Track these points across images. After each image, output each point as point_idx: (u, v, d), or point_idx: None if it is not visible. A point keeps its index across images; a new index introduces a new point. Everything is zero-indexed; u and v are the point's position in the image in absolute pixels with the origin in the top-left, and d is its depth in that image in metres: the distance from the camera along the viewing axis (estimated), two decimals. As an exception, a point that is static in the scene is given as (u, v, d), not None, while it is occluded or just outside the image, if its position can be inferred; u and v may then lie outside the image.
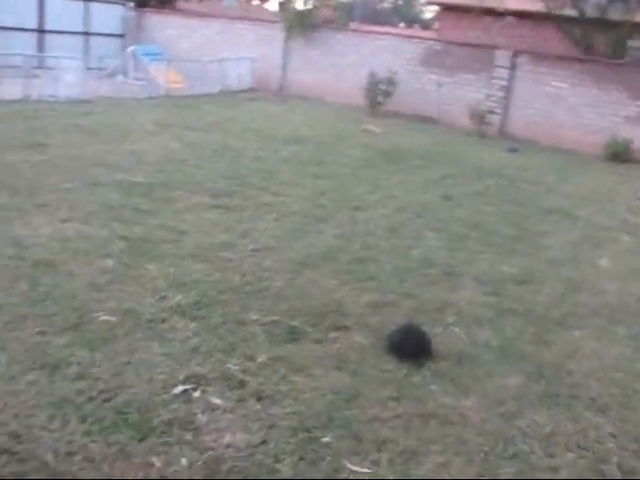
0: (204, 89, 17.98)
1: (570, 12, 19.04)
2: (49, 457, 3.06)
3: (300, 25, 19.74)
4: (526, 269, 6.57)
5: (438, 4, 27.47)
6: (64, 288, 4.85)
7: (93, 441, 3.21)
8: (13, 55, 15.34)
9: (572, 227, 8.39)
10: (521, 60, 17.18)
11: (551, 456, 3.58)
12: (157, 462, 3.13)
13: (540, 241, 7.62)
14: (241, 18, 21.63)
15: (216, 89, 18.58)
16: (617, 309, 5.78)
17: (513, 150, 14.53)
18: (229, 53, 19.94)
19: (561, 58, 17.10)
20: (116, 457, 3.12)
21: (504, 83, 17.24)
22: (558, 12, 19.37)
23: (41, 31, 20.12)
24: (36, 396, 3.51)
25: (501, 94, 17.23)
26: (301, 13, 20.28)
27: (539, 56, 17.31)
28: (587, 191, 10.83)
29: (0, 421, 3.26)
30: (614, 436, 3.82)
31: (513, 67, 17.17)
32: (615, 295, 6.13)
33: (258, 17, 22.21)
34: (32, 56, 15.77)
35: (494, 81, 17.37)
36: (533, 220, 8.49)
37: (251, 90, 19.61)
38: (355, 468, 3.26)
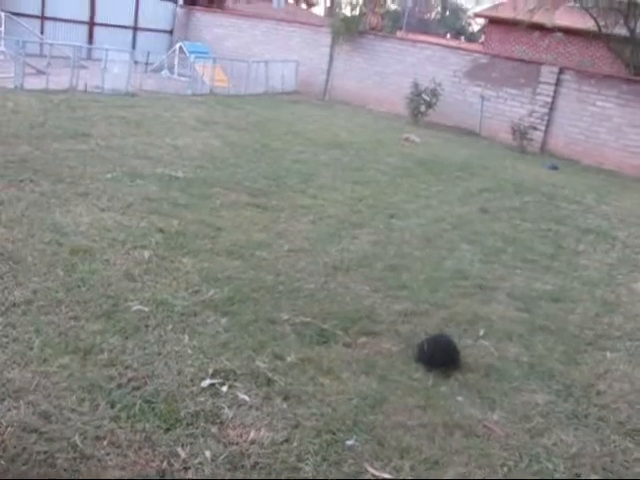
0: (248, 89, 18.08)
1: (621, 31, 18.83)
2: (77, 439, 3.11)
3: (347, 31, 19.75)
4: (560, 287, 6.51)
5: (486, 17, 27.38)
6: (100, 276, 4.92)
7: (120, 427, 3.26)
8: (63, 46, 15.61)
9: (609, 248, 8.28)
10: (567, 77, 17.01)
11: (576, 476, 3.55)
12: (182, 453, 3.17)
13: (576, 260, 7.54)
14: (288, 21, 21.71)
15: (260, 90, 18.68)
16: (651, 334, 5.70)
17: (553, 167, 14.39)
18: (274, 55, 20.07)
19: (608, 77, 16.88)
20: (142, 444, 3.17)
21: (548, 100, 17.09)
22: (609, 31, 19.19)
23: (91, 24, 20.43)
24: (67, 379, 3.57)
25: (544, 110, 17.08)
26: (348, 19, 20.31)
27: (585, 74, 17.13)
28: (626, 213, 10.68)
29: (31, 401, 3.33)
30: (642, 462, 3.78)
31: (558, 84, 16.99)
32: (650, 319, 6.05)
33: (305, 21, 22.24)
34: (81, 47, 15.99)
35: (538, 97, 17.22)
36: (570, 239, 8.41)
37: (294, 93, 19.69)
38: (376, 473, 3.27)
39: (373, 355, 4.46)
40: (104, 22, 20.66)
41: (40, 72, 14.41)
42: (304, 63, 20.31)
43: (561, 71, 17.10)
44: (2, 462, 2.87)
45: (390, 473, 3.29)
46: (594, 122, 16.64)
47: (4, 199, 6.21)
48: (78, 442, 3.10)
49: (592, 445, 3.85)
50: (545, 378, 4.57)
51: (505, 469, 3.49)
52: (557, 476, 3.51)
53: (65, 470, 2.92)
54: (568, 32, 21.49)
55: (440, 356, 4.43)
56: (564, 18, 20.74)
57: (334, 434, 3.51)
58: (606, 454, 3.78)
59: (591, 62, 21.54)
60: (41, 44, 16.82)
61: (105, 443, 3.14)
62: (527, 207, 9.82)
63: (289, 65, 19.99)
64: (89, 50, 18.41)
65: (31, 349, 3.81)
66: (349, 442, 3.46)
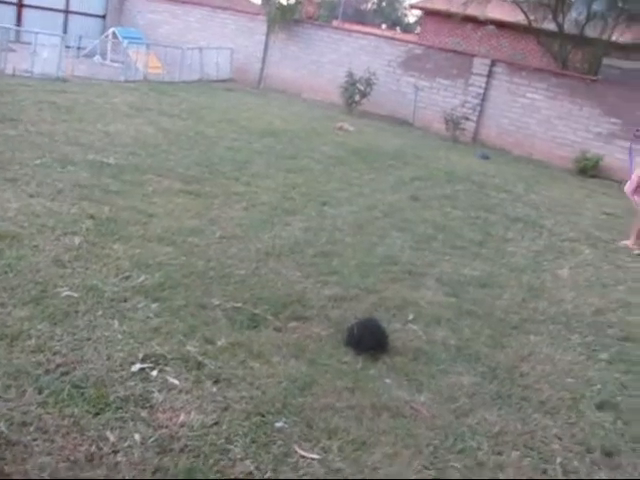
0: (182, 76, 17.92)
1: (550, 26, 19.30)
2: (2, 425, 3.08)
3: (282, 19, 19.72)
4: (488, 273, 6.68)
5: (421, 9, 27.66)
6: (28, 262, 4.84)
7: (48, 413, 3.24)
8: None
9: (536, 236, 8.52)
10: (498, 69, 17.36)
11: (498, 453, 3.67)
12: (111, 436, 3.16)
13: (504, 247, 7.74)
14: (223, 8, 21.52)
15: (194, 77, 18.52)
16: (573, 318, 5.90)
17: (484, 157, 14.70)
18: (209, 42, 19.93)
19: (538, 70, 17.31)
20: (70, 429, 3.15)
21: (480, 91, 17.42)
22: (538, 25, 19.64)
23: (20, 5, 19.87)
24: (-7, 366, 3.53)
25: (476, 101, 17.41)
26: (284, 7, 20.26)
27: (516, 66, 17.52)
28: (554, 202, 11.00)
29: (-45, 388, 3.28)
30: (560, 438, 3.93)
31: (490, 75, 17.34)
32: (572, 304, 6.24)
33: (241, 8, 22.07)
34: (9, 29, 15.54)
35: (470, 88, 17.54)
36: (498, 227, 8.61)
37: (229, 80, 19.59)
38: (305, 453, 3.33)
39: (303, 339, 4.51)
40: (33, 4, 20.10)
41: (-35, 54, 14.00)
42: (239, 51, 20.23)
43: (493, 63, 17.46)
44: None
45: (318, 454, 3.35)
46: (524, 113, 17.05)
47: None
48: (3, 428, 3.06)
49: (514, 424, 3.98)
50: (471, 361, 4.70)
51: (431, 448, 3.59)
52: (480, 454, 3.62)
53: (-10, 456, 2.90)
54: (500, 25, 21.94)
55: (369, 340, 4.51)
56: (496, 11, 21.15)
57: (263, 416, 3.55)
58: (527, 432, 3.92)
59: (522, 55, 22.00)
60: (-34, 25, 16.30)
61: (32, 429, 3.11)
62: (458, 195, 10.01)
63: (224, 53, 19.87)
64: (17, 32, 17.93)
65: (-45, 336, 3.75)
66: (278, 424, 3.51)
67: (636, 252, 8.52)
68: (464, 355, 4.76)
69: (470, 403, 4.14)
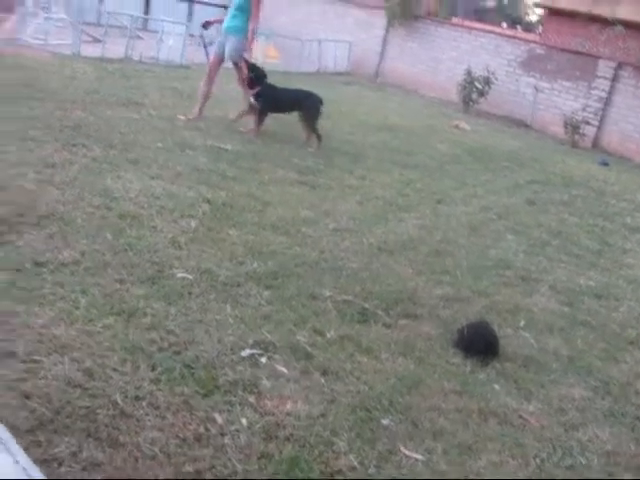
0: (300, 67, 18.05)
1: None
2: (118, 397, 3.18)
3: (402, 15, 19.59)
4: (604, 284, 6.43)
5: (544, 7, 26.90)
6: (147, 242, 4.99)
7: (160, 389, 3.32)
8: (120, 15, 15.74)
9: (657, 248, 8.14)
10: (624, 73, 16.66)
11: (609, 474, 3.52)
12: (219, 418, 3.22)
13: (622, 258, 7.43)
14: (343, 1, 21.54)
15: (312, 68, 18.63)
16: (696, 337, 5.60)
17: (604, 163, 14.14)
18: (327, 34, 19.97)
19: (667, 75, 16.52)
20: (180, 408, 3.23)
21: (603, 95, 16.76)
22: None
23: (148, -6, 20.55)
24: (111, 339, 3.65)
25: (599, 105, 16.76)
26: (404, 2, 20.09)
27: (644, 71, 16.77)
28: (677, 214, 10.48)
29: (76, 358, 3.41)
30: (678, 465, 3.73)
31: (615, 79, 16.66)
32: (696, 323, 5.93)
33: (360, 2, 22.04)
34: (138, 18, 16.07)
35: (593, 91, 16.91)
36: (617, 236, 8.27)
37: (346, 74, 19.61)
38: (409, 453, 3.28)
39: (412, 337, 4.47)
40: (162, -7, 20.76)
41: (97, 40, 14.57)
42: (357, 44, 20.19)
43: (619, 66, 16.75)
44: (47, 414, 2.95)
45: (423, 454, 3.30)
46: (650, 120, 16.30)
47: (57, 162, 6.31)
48: (119, 400, 3.16)
49: (628, 444, 3.81)
50: (583, 373, 4.54)
51: (538, 460, 3.48)
52: (590, 472, 3.48)
53: (106, 426, 2.99)
54: (629, 26, 21.00)
55: (479, 343, 4.42)
56: (627, 12, 20.26)
57: (370, 412, 3.53)
58: (641, 454, 3.74)
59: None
60: (99, 13, 16.95)
61: (144, 404, 3.20)
62: (575, 201, 9.68)
63: (342, 45, 19.89)
64: (145, 21, 18.52)
65: (77, 308, 3.89)
66: (384, 421, 3.48)
67: None
68: (576, 367, 4.60)
69: (581, 417, 3.99)
